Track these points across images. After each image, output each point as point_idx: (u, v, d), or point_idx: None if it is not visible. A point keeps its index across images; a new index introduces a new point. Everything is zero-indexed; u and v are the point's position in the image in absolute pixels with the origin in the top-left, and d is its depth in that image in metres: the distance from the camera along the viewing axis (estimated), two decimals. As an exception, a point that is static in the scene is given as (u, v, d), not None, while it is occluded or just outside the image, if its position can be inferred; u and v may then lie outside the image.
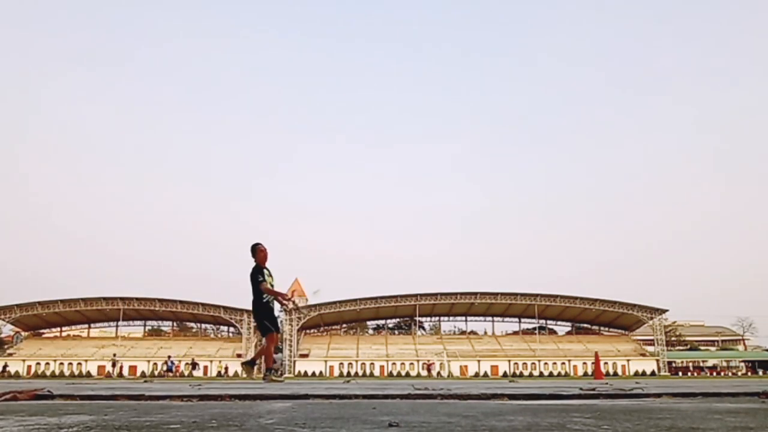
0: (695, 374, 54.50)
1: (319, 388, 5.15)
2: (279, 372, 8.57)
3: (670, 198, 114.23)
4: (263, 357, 8.46)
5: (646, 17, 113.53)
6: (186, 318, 65.09)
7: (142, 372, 51.25)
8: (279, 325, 8.32)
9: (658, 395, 3.54)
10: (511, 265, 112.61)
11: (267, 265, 8.25)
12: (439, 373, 51.09)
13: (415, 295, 59.24)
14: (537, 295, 59.66)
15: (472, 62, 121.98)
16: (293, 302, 8.27)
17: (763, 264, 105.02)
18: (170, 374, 40.45)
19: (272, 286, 8.19)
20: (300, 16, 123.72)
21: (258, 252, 8.12)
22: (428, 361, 53.94)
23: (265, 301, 8.11)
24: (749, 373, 55.90)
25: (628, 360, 56.95)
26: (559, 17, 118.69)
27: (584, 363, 55.13)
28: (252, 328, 57.57)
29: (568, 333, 66.51)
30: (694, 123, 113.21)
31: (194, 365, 44.22)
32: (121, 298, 57.50)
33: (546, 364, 56.54)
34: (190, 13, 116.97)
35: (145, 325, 67.21)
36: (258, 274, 8.04)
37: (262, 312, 8.11)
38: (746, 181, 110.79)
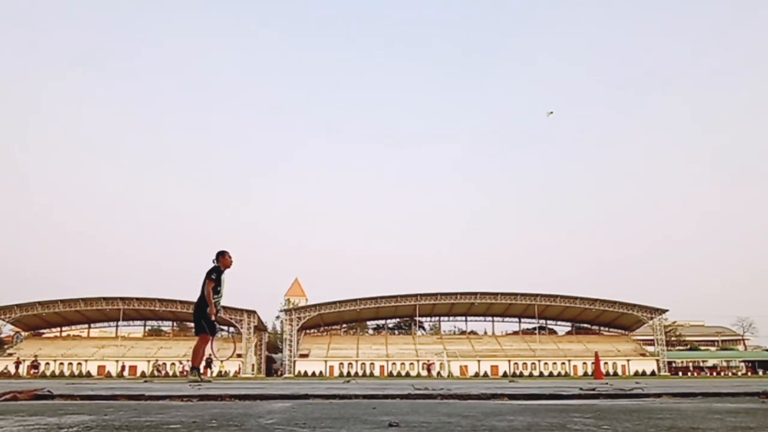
0: (695, 374, 54.51)
1: (319, 388, 5.15)
2: (201, 374, 8.41)
3: (670, 198, 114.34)
4: (197, 355, 8.28)
5: (646, 17, 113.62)
6: (186, 318, 64.96)
7: (142, 372, 51.26)
8: (215, 328, 8.19)
9: (658, 395, 3.54)
10: (511, 265, 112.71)
11: (225, 274, 8.28)
12: (439, 373, 51.09)
13: (415, 295, 59.25)
14: (537, 295, 59.67)
15: (472, 62, 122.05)
16: (215, 318, 8.11)
17: (763, 264, 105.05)
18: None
19: (221, 290, 8.18)
20: (300, 16, 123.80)
21: (223, 257, 8.19)
22: (428, 361, 53.94)
23: (214, 302, 8.09)
24: (749, 373, 55.90)
25: (628, 360, 56.96)
26: (559, 17, 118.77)
27: (584, 363, 55.13)
28: (252, 328, 57.62)
29: (568, 333, 66.51)
30: (694, 123, 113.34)
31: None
32: (121, 298, 57.51)
33: (546, 364, 56.54)
34: (191, 13, 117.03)
35: (145, 325, 67.21)
36: (212, 273, 8.05)
37: (203, 311, 8.07)
38: (746, 181, 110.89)
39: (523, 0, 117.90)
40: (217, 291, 8.09)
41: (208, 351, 8.56)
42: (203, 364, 8.82)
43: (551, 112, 52.95)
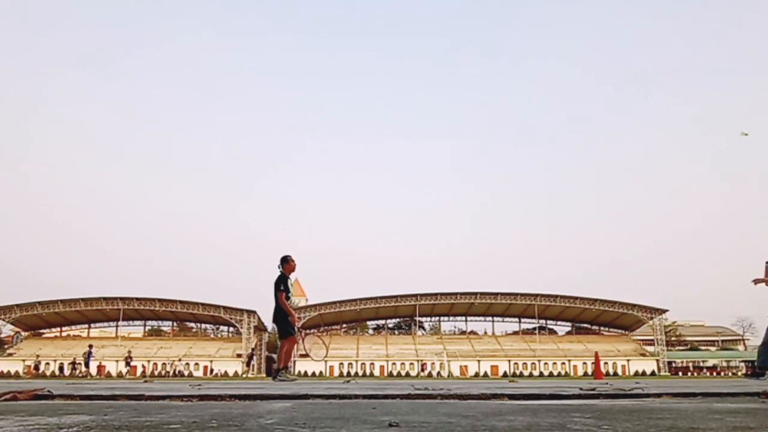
0: (695, 374, 54.51)
1: (319, 388, 5.15)
2: (288, 373, 9.23)
3: (670, 198, 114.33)
4: (282, 357, 8.96)
5: (646, 16, 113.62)
6: (186, 318, 65.12)
7: (142, 372, 51.29)
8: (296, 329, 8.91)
9: (658, 395, 3.54)
10: (511, 265, 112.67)
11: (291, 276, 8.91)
12: (438, 373, 51.13)
13: (415, 295, 59.26)
14: (537, 295, 59.68)
15: (471, 61, 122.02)
16: (299, 329, 8.85)
17: (763, 264, 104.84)
18: (85, 370, 32.64)
19: (292, 294, 8.81)
20: (300, 16, 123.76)
21: (287, 263, 8.74)
22: (422, 361, 54.26)
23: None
24: (749, 374, 55.82)
25: (628, 360, 56.96)
26: (559, 16, 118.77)
27: (584, 363, 55.14)
28: (252, 328, 57.64)
29: (568, 333, 66.53)
30: (695, 122, 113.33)
31: (128, 360, 39.94)
32: (121, 298, 57.52)
33: (546, 364, 56.55)
34: (192, 13, 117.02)
35: (145, 325, 67.25)
36: (281, 284, 8.63)
37: (281, 318, 8.66)
38: (747, 180, 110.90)
39: (522, 0, 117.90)
40: (288, 297, 8.67)
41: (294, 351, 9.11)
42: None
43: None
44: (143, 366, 53.20)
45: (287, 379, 8.58)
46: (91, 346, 35.06)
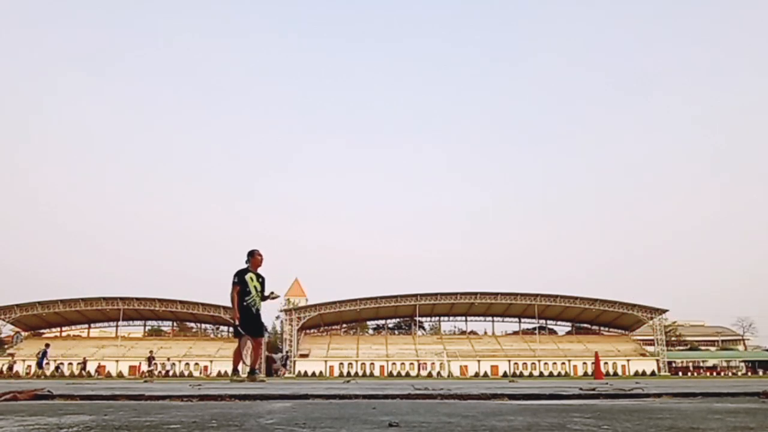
0: (695, 374, 54.50)
1: (319, 388, 5.15)
2: (239, 375, 8.68)
3: (670, 198, 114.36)
4: (256, 359, 8.66)
5: (646, 16, 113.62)
6: (186, 318, 65.12)
7: (142, 372, 51.28)
8: (258, 329, 8.37)
9: (658, 395, 3.54)
10: (511, 265, 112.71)
11: (259, 271, 8.41)
12: (438, 373, 51.14)
13: (415, 295, 59.26)
14: (537, 295, 59.68)
15: (471, 61, 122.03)
16: (236, 327, 8.17)
17: (763, 264, 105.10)
18: (39, 371, 31.09)
19: (257, 290, 8.27)
20: (300, 17, 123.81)
21: (253, 257, 8.29)
22: (421, 361, 54.33)
23: (245, 304, 8.15)
24: (749, 373, 55.90)
25: (628, 360, 56.97)
26: (559, 17, 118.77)
27: (584, 363, 55.15)
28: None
29: (568, 333, 66.53)
30: (695, 122, 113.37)
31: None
32: (121, 298, 57.52)
33: (546, 364, 56.55)
34: (192, 13, 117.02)
35: (145, 325, 67.26)
36: (235, 276, 8.18)
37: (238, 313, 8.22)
38: (747, 181, 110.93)
39: (522, 0, 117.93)
40: (246, 292, 8.14)
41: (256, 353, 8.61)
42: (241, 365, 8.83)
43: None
44: (140, 366, 53.19)
45: (239, 381, 8.01)
46: (47, 345, 32.42)
